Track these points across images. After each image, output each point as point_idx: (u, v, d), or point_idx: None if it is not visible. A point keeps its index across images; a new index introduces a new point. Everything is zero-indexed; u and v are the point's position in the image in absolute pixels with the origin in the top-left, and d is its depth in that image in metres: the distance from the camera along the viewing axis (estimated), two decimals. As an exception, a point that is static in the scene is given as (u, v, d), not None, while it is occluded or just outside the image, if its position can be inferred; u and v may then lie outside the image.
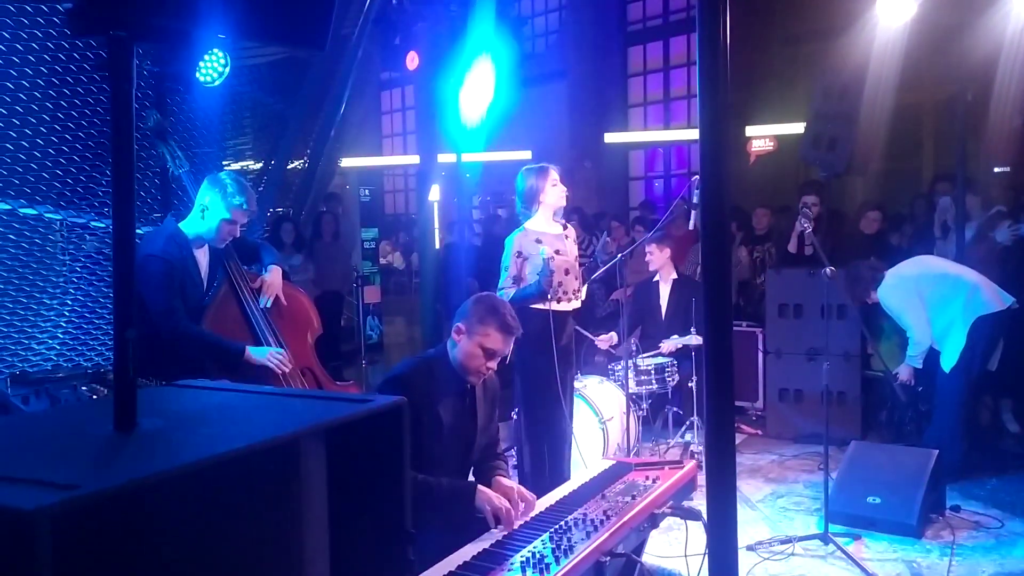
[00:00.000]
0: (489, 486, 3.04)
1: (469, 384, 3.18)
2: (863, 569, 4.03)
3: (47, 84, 4.19)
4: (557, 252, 4.54)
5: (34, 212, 4.31)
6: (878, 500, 4.60)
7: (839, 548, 4.22)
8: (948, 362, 5.17)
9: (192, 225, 3.56)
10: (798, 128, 8.42)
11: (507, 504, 2.85)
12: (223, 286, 3.62)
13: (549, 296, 4.42)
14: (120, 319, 1.33)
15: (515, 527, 2.78)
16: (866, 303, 5.50)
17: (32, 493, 0.97)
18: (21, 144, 4.10)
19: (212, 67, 4.39)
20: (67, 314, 4.47)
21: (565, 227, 4.78)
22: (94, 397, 3.61)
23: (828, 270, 4.56)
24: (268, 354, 3.51)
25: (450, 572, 2.34)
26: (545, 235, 4.62)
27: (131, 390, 1.30)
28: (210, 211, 3.51)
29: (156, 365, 3.18)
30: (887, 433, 6.18)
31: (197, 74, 4.38)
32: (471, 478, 3.23)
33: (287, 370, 3.55)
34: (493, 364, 3.13)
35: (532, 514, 2.89)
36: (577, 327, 5.10)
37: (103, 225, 4.61)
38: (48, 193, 4.38)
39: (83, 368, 4.25)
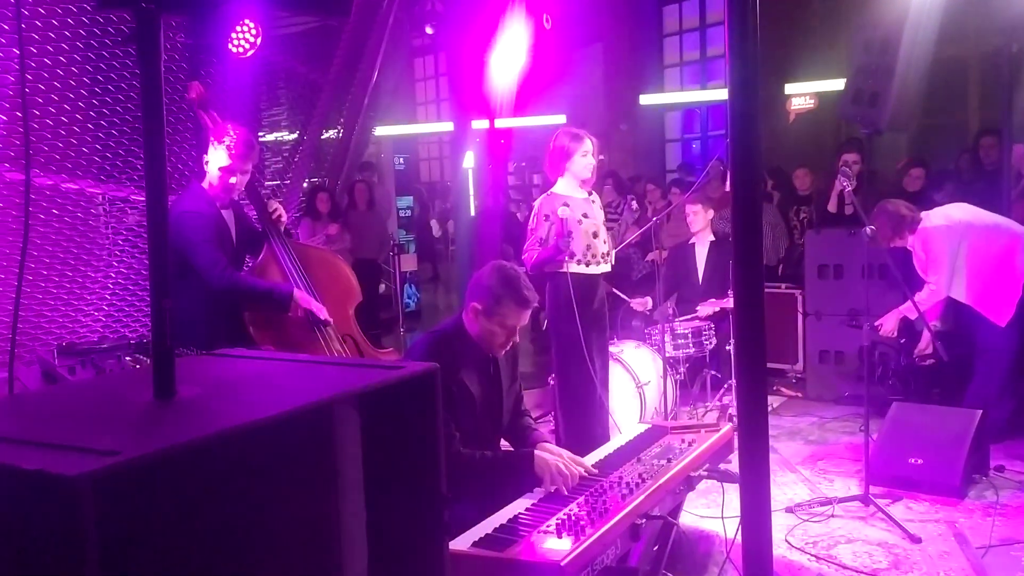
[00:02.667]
0: (527, 445, 3.07)
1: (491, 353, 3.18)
2: (904, 530, 4.00)
3: (84, 59, 4.23)
4: (585, 215, 4.55)
5: (76, 187, 4.38)
6: (920, 461, 4.55)
7: (880, 509, 4.19)
8: (1003, 318, 5.02)
9: (207, 181, 3.63)
10: (839, 84, 8.21)
11: (564, 464, 2.86)
12: (264, 252, 3.68)
13: (571, 256, 4.42)
14: (157, 289, 1.36)
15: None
16: (891, 246, 5.22)
17: (75, 459, 1.00)
18: (61, 119, 4.16)
19: (244, 38, 4.39)
20: (111, 287, 4.56)
21: (591, 193, 4.79)
22: (137, 367, 3.69)
23: (869, 229, 4.47)
24: (314, 302, 3.58)
25: (487, 535, 2.37)
26: (572, 199, 4.61)
27: (169, 359, 1.33)
28: (211, 161, 3.59)
29: (196, 331, 3.24)
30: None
31: (229, 45, 4.38)
32: (503, 443, 3.25)
33: (330, 321, 3.60)
34: (515, 336, 3.12)
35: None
36: (613, 289, 5.10)
37: (143, 199, 4.68)
38: (89, 168, 4.45)
39: (127, 339, 4.35)
